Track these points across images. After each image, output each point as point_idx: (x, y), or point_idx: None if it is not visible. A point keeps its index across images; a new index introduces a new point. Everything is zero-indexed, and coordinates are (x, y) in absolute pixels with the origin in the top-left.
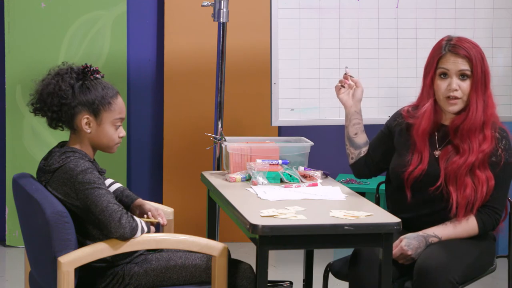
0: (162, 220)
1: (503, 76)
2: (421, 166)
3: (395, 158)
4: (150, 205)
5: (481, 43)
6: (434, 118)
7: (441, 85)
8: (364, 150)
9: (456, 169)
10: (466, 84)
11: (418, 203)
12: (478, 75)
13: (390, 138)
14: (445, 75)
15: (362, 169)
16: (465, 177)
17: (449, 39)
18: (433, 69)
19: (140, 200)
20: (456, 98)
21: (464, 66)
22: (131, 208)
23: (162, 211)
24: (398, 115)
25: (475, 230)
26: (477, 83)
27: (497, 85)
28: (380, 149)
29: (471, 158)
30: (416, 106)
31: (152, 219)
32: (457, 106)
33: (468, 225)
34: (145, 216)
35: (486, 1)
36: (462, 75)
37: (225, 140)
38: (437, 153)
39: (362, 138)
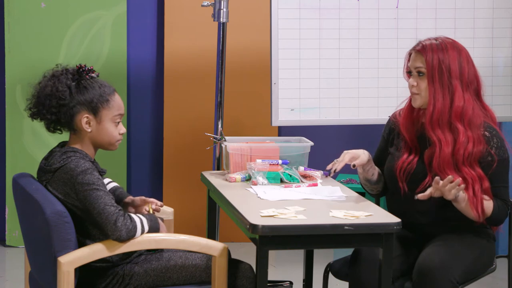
0: (156, 206)
1: (503, 76)
2: (411, 158)
3: (388, 160)
4: (139, 198)
5: (481, 43)
6: (416, 115)
7: (408, 83)
8: (383, 177)
9: (436, 166)
10: (423, 81)
11: (414, 203)
12: (434, 69)
13: (388, 148)
14: (410, 73)
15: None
16: (452, 173)
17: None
18: (404, 70)
19: (130, 197)
20: (414, 93)
21: (418, 63)
22: (121, 205)
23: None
24: (389, 123)
25: (490, 209)
26: (433, 77)
27: (497, 85)
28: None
29: (446, 150)
30: None
31: (151, 210)
32: (417, 101)
33: (486, 202)
34: (145, 211)
35: (486, 1)
36: (419, 72)
37: (225, 140)
38: (426, 152)
39: (376, 173)
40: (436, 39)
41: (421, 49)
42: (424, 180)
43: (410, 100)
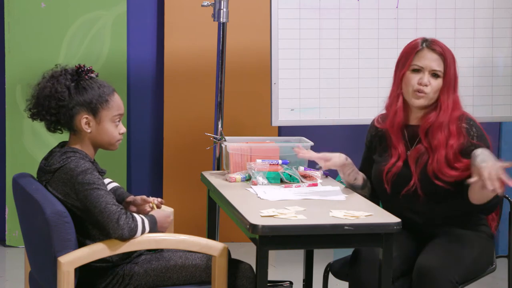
0: (157, 201)
1: (503, 76)
2: (398, 160)
3: (374, 168)
4: (140, 197)
5: (481, 43)
6: (404, 116)
7: (413, 78)
8: (369, 183)
9: (435, 168)
10: (436, 83)
11: (410, 204)
12: (451, 76)
13: (372, 156)
14: (417, 71)
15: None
16: (449, 171)
17: (425, 38)
18: (408, 64)
19: (131, 197)
20: (423, 92)
21: (437, 66)
22: (122, 205)
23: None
24: (370, 128)
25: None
26: (449, 84)
27: (497, 85)
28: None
29: (442, 152)
30: (386, 115)
31: (154, 207)
32: (422, 100)
33: None
34: (149, 208)
35: (486, 1)
36: (434, 74)
37: (225, 140)
38: (408, 153)
39: (360, 179)
40: (438, 41)
41: (441, 51)
42: (407, 185)
43: (403, 99)
